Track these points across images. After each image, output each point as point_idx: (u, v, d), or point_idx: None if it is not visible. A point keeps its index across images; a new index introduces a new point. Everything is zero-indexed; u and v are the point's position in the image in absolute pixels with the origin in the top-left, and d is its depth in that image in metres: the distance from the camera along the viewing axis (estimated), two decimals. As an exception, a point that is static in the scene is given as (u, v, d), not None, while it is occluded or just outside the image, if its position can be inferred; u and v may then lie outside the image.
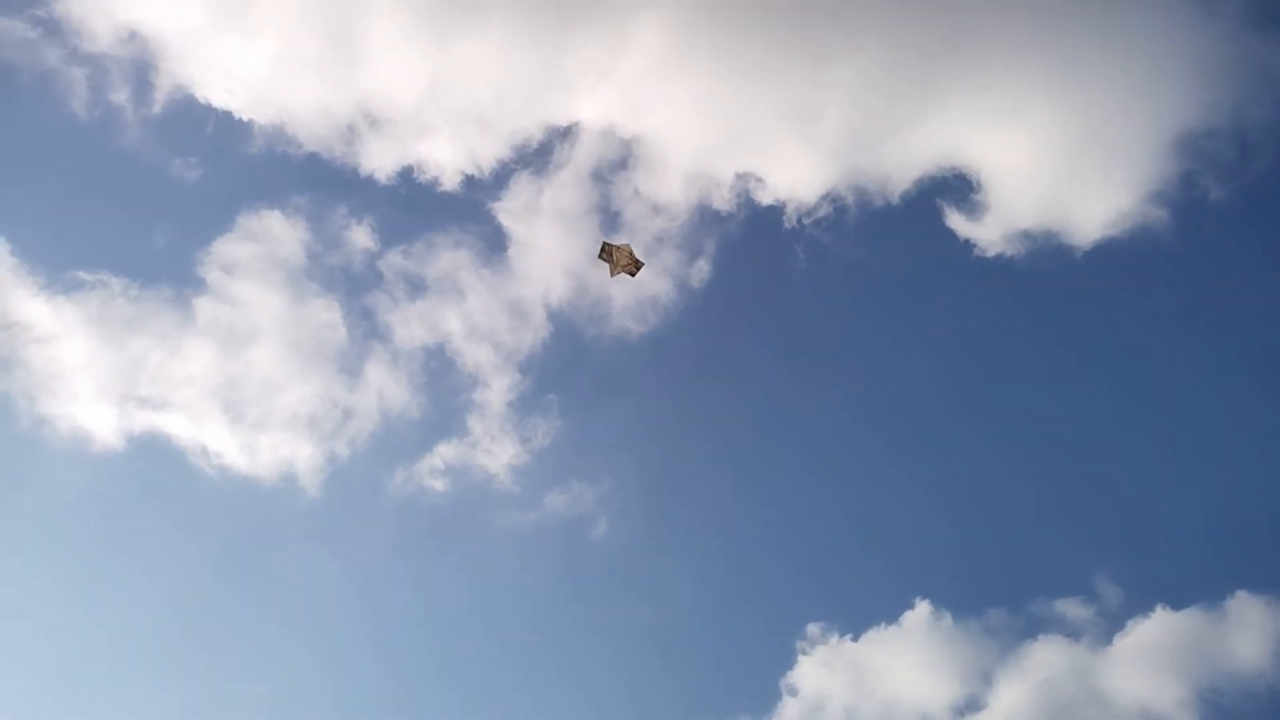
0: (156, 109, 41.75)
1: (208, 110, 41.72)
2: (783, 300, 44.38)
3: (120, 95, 41.51)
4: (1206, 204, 41.18)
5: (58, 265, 39.87)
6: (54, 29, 40.60)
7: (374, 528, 40.04)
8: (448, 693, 37.84)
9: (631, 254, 35.44)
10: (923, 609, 37.58)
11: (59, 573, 37.71)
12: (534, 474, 40.54)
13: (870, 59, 42.91)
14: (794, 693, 37.28)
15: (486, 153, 42.42)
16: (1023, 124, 42.28)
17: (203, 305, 40.72)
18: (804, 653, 37.80)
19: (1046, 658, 36.09)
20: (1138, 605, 36.60)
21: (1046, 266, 42.09)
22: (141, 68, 41.57)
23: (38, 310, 39.04)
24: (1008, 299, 42.92)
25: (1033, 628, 36.93)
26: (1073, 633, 36.74)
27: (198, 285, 40.90)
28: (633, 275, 35.76)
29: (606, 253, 35.51)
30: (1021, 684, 35.75)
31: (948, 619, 37.42)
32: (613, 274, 35.59)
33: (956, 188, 42.50)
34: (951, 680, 36.33)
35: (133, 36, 41.09)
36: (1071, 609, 37.09)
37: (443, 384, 41.65)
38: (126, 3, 40.75)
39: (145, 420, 38.84)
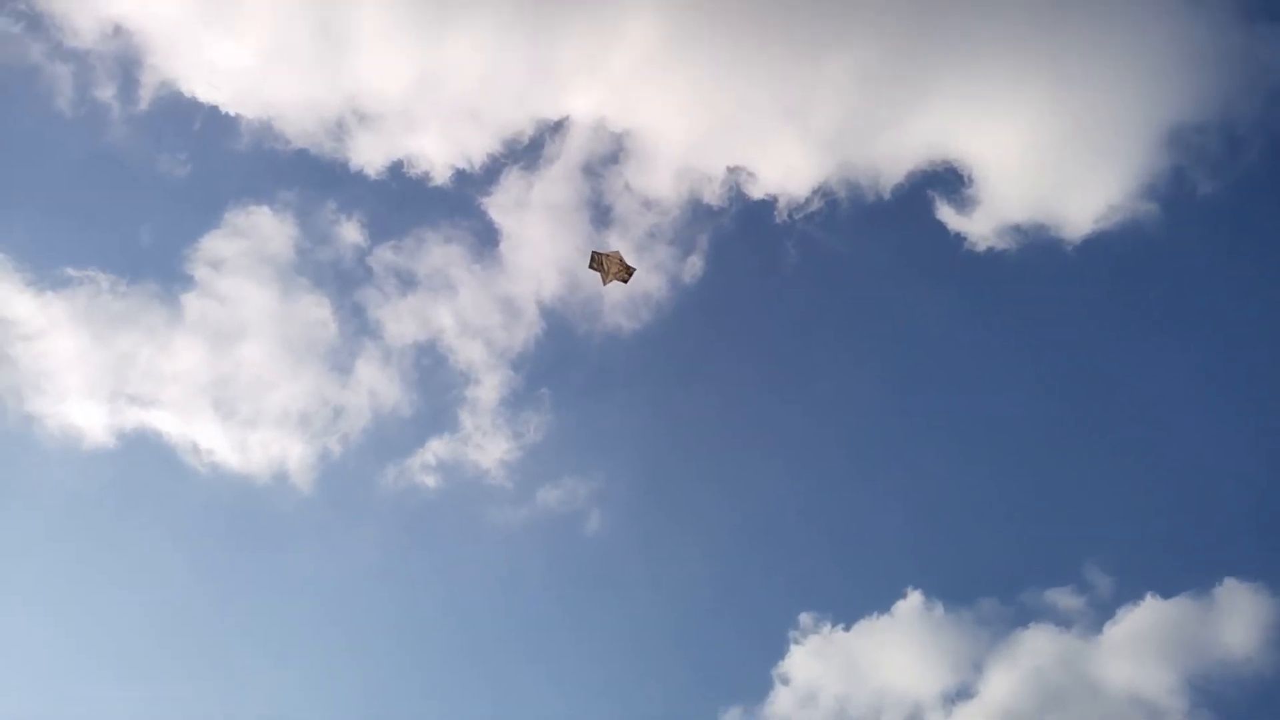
0: (143, 105, 43.07)
1: (195, 106, 43.13)
2: (775, 295, 45.94)
3: (106, 92, 42.80)
4: (1195, 198, 43.00)
5: (45, 262, 41.28)
6: (37, 23, 41.92)
7: (366, 525, 41.53)
8: (442, 689, 39.26)
9: (622, 260, 36.95)
10: (914, 599, 39.18)
11: (51, 572, 39.03)
12: (526, 469, 42.05)
13: (862, 53, 44.49)
14: (786, 682, 38.85)
15: (477, 147, 43.89)
16: (1014, 117, 43.92)
17: (191, 302, 42.15)
18: (796, 642, 39.40)
19: (1037, 646, 37.76)
20: (1128, 594, 38.34)
21: (1037, 260, 43.85)
22: (127, 64, 42.87)
23: (25, 307, 40.40)
24: (999, 293, 44.64)
25: (1024, 617, 38.65)
26: (1063, 621, 38.44)
27: (185, 282, 42.28)
28: (625, 281, 37.34)
29: (596, 262, 36.96)
30: (1012, 672, 37.37)
31: (939, 608, 39.05)
32: (605, 282, 37.12)
33: (948, 181, 44.18)
34: (943, 669, 37.99)
35: (118, 31, 42.40)
36: (1062, 598, 38.80)
37: (434, 380, 43.09)
38: (111, -1, 42.17)
39: (135, 417, 40.23)
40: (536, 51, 43.84)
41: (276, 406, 41.67)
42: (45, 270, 41.10)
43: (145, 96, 42.93)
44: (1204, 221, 43.21)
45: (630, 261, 37.28)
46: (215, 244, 42.69)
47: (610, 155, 44.77)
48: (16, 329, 40.16)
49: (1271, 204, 42.66)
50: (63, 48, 42.16)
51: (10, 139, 42.57)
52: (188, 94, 42.90)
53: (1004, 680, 37.37)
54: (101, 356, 40.84)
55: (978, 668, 38.08)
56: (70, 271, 41.38)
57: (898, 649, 38.36)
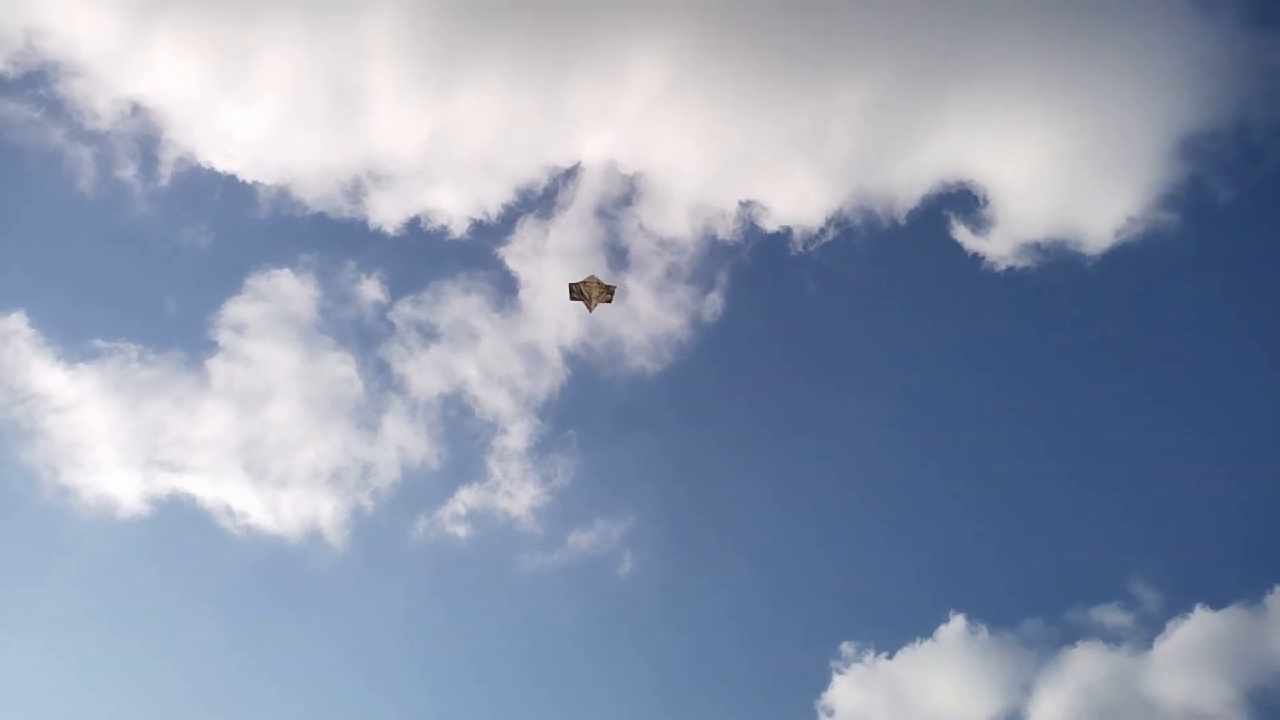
0: (163, 181, 46.00)
1: (213, 176, 46.09)
2: (795, 327, 47.80)
3: (127, 171, 45.78)
4: (1216, 206, 44.69)
5: (74, 335, 44.00)
6: (57, 109, 45.02)
7: (400, 578, 43.27)
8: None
9: (600, 283, 38.79)
10: (957, 622, 40.35)
11: (91, 643, 40.88)
12: (556, 514, 43.99)
13: (870, 80, 46.81)
14: (830, 713, 39.92)
15: (492, 198, 46.70)
16: (1027, 135, 45.97)
17: (217, 367, 44.69)
18: (839, 672, 40.57)
19: (1086, 665, 38.70)
20: (1176, 607, 39.38)
21: (1060, 276, 45.55)
22: (145, 141, 45.96)
23: (56, 380, 43.06)
24: (1022, 311, 46.31)
25: (1070, 636, 39.64)
26: (1112, 639, 39.38)
27: (211, 348, 44.90)
28: (609, 302, 39.21)
29: (576, 292, 39.02)
30: (1061, 693, 38.26)
31: (983, 631, 40.18)
32: (590, 308, 39.12)
33: (963, 203, 46.09)
34: (990, 693, 38.89)
35: (135, 110, 45.57)
36: (1109, 615, 39.82)
37: (461, 431, 45.28)
38: (126, 77, 45.22)
39: (168, 483, 42.49)
40: (546, 100, 46.76)
41: (306, 466, 43.96)
42: (75, 344, 43.93)
43: (165, 172, 46.07)
44: (1226, 229, 45.01)
45: (610, 282, 39.10)
46: (238, 309, 45.52)
47: (623, 197, 47.47)
48: (49, 403, 42.80)
49: (1294, 207, 44.46)
50: (83, 130, 45.39)
51: (37, 220, 45.59)
52: (205, 165, 45.99)
53: (1054, 702, 38.27)
54: (133, 425, 43.38)
55: (1026, 690, 39.03)
56: (99, 343, 44.20)
57: (943, 674, 39.41)
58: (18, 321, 43.35)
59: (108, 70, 45.15)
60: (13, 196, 45.53)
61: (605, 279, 39.76)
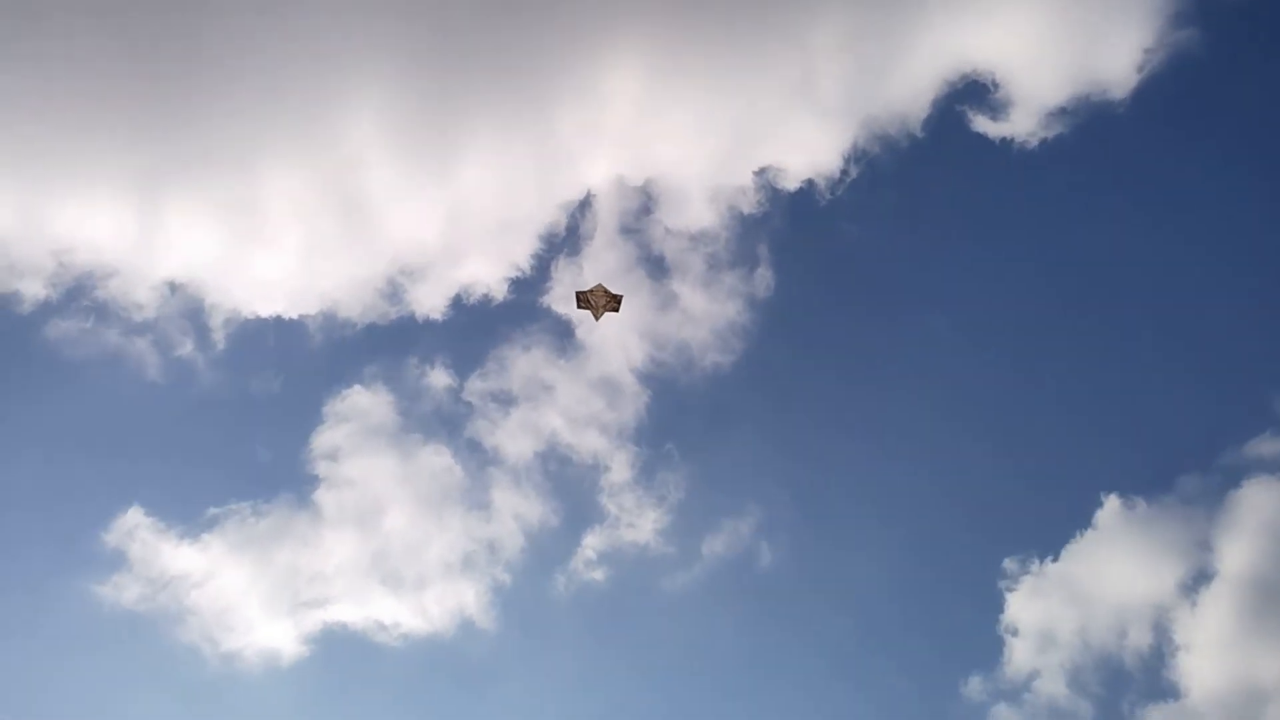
0: (219, 345, 47.62)
1: (261, 324, 47.78)
2: (851, 271, 47.79)
3: (185, 347, 47.51)
4: (1232, 5, 43.51)
5: (189, 511, 45.57)
6: (104, 313, 46.92)
7: (557, 636, 44.09)
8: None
9: (605, 291, 38.77)
10: (1112, 503, 39.15)
11: None
12: (682, 529, 44.32)
13: (840, 8, 46.71)
14: (1015, 633, 39.11)
15: (520, 252, 47.60)
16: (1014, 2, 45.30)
17: (325, 497, 45.96)
18: (1009, 590, 39.68)
19: (1260, 502, 37.16)
20: (1331, 415, 37.32)
21: (1096, 131, 44.61)
22: (191, 314, 47.72)
23: (186, 558, 44.71)
24: (1070, 177, 45.47)
25: (1233, 478, 38.20)
26: (1277, 468, 37.75)
27: (313, 482, 46.20)
28: (616, 310, 39.13)
29: (584, 301, 39.02)
30: (1244, 537, 36.92)
31: (1140, 504, 38.97)
32: (597, 317, 39.16)
33: (974, 93, 45.37)
34: (1170, 560, 37.67)
35: (173, 289, 47.42)
36: (1265, 445, 38.33)
37: (566, 481, 45.92)
38: (156, 262, 47.07)
39: (318, 619, 43.76)
40: (539, 144, 47.68)
41: (437, 561, 45.00)
42: (192, 519, 45.52)
43: (218, 336, 47.76)
44: (1250, 27, 43.83)
45: (616, 290, 39.09)
46: (326, 438, 46.79)
47: (641, 208, 48.04)
48: (188, 580, 44.46)
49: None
50: (133, 324, 47.30)
51: (120, 422, 47.52)
52: (251, 316, 47.65)
53: (1238, 549, 37.00)
54: (268, 576, 44.89)
55: (1205, 546, 37.80)
56: (213, 511, 45.75)
57: (1115, 558, 38.27)
58: (136, 515, 45.03)
59: (136, 261, 47.15)
60: (95, 406, 47.60)
61: (657, 292, 39.82)
